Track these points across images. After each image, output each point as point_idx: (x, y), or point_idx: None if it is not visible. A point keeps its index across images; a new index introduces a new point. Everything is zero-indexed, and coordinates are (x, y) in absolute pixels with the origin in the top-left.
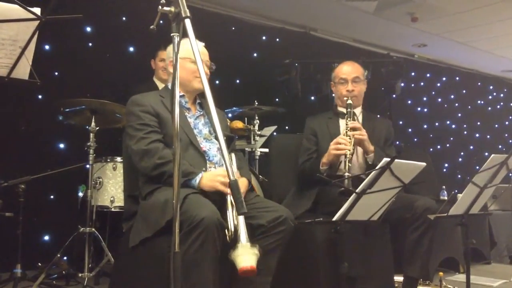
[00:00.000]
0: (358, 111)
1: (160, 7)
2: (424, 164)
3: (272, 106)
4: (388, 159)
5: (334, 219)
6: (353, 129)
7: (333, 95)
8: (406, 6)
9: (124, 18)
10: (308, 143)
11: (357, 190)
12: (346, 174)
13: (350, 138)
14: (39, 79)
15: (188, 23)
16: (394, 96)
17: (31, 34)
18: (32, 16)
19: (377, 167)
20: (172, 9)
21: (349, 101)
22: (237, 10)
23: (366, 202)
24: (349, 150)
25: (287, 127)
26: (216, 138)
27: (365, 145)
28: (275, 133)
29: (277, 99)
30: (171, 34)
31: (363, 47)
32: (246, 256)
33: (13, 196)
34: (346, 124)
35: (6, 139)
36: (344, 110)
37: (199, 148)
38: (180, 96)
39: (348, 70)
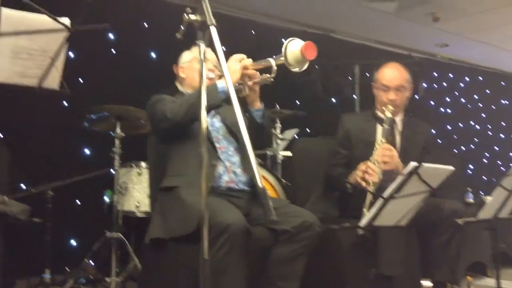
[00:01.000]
0: (398, 118)
1: (185, 16)
2: (452, 168)
3: (293, 109)
4: (416, 164)
5: (361, 224)
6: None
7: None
8: (427, 6)
9: (145, 24)
10: (340, 146)
11: (384, 195)
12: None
13: (377, 165)
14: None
15: (213, 30)
16: (416, 97)
17: (61, 44)
18: (61, 27)
19: (404, 172)
20: (198, 17)
21: (389, 114)
22: (256, 14)
23: (393, 207)
24: (376, 180)
25: (308, 130)
26: (233, 135)
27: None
28: (296, 136)
29: (297, 102)
30: (196, 42)
31: (384, 48)
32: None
33: (41, 202)
34: (381, 141)
35: (33, 146)
36: (384, 116)
37: (214, 144)
38: None
39: (391, 76)
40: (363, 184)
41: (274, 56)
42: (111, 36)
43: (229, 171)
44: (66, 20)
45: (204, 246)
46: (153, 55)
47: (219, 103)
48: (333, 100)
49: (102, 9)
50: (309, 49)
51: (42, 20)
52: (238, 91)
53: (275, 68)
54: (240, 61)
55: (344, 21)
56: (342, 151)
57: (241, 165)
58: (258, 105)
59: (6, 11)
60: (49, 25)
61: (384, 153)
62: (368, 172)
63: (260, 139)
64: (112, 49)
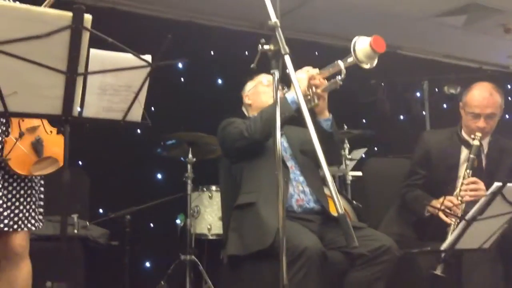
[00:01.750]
0: (485, 141)
1: (260, 46)
2: None
3: (361, 129)
4: (500, 184)
5: (442, 248)
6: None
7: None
8: (497, 18)
9: (212, 53)
10: (418, 166)
11: (466, 217)
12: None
13: (461, 201)
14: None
15: (287, 59)
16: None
17: (143, 79)
18: (144, 63)
19: (488, 192)
20: (272, 46)
21: (477, 142)
22: (320, 35)
23: (476, 229)
24: (457, 217)
25: (376, 149)
26: (298, 155)
27: None
28: (363, 156)
29: (364, 121)
30: (271, 71)
31: (453, 62)
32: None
33: (118, 226)
34: (466, 173)
35: (110, 173)
36: (469, 139)
37: (286, 163)
38: None
39: (482, 103)
40: (445, 220)
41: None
42: (179, 65)
43: (298, 191)
44: (148, 57)
45: (283, 272)
46: (219, 81)
47: (292, 113)
48: (402, 117)
49: (170, 40)
50: (378, 41)
51: (126, 58)
52: (307, 102)
53: (344, 70)
54: (306, 72)
55: (411, 37)
56: (421, 171)
57: (308, 184)
58: (326, 114)
59: (93, 51)
60: (133, 62)
61: (469, 187)
62: (450, 209)
63: (329, 151)
64: (181, 78)
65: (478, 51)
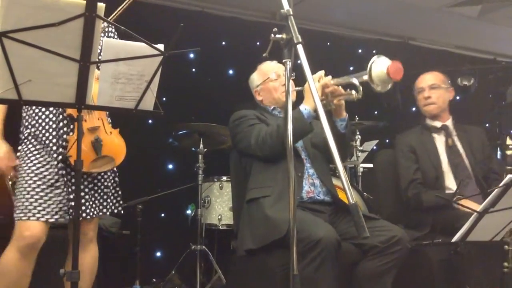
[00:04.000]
0: (449, 123)
1: (272, 35)
2: None
3: (372, 120)
4: None
5: (453, 240)
6: None
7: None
8: None
9: (223, 43)
10: (407, 161)
11: (478, 209)
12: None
13: None
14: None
15: (300, 48)
16: (503, 103)
17: (156, 68)
18: (156, 52)
19: (500, 184)
20: (284, 35)
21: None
22: (332, 26)
23: (488, 221)
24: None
25: (387, 141)
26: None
27: None
28: (375, 147)
29: (375, 112)
30: (283, 60)
31: (467, 53)
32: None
33: (130, 216)
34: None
35: (122, 162)
36: (433, 124)
37: (301, 156)
38: (273, 109)
39: (424, 78)
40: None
41: (354, 74)
42: (191, 55)
43: (309, 183)
44: (161, 46)
45: (293, 262)
46: (230, 72)
47: (309, 129)
48: (414, 109)
49: (183, 29)
50: (396, 68)
51: (139, 47)
52: (323, 106)
53: (360, 87)
54: (318, 80)
55: (423, 27)
56: (412, 164)
57: (318, 176)
58: (343, 114)
59: (106, 40)
60: (146, 51)
61: None
62: None
63: (340, 145)
64: (193, 68)
65: (492, 42)
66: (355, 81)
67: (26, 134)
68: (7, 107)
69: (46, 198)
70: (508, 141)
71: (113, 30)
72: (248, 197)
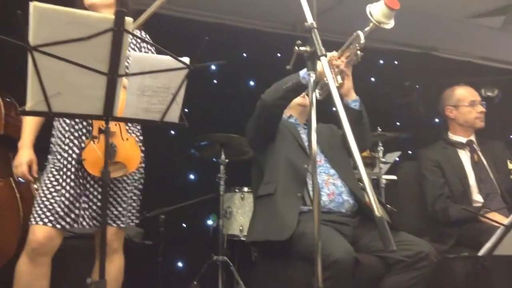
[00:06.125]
0: (473, 138)
1: (296, 47)
2: None
3: (395, 132)
4: None
5: (480, 253)
6: None
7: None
8: None
9: (244, 55)
10: (433, 175)
11: (505, 223)
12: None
13: None
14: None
15: (324, 61)
16: None
17: (181, 81)
18: (182, 65)
19: None
20: (308, 48)
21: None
22: None
23: None
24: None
25: (410, 152)
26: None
27: None
28: (397, 159)
29: (398, 123)
30: (307, 72)
31: (490, 64)
32: None
33: (153, 226)
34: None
35: (145, 173)
36: (456, 139)
37: (306, 150)
38: (289, 117)
39: (472, 91)
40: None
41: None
42: (212, 67)
43: (328, 184)
44: (186, 59)
45: (317, 275)
46: (251, 83)
47: (298, 81)
48: (437, 120)
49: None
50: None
51: (165, 60)
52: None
53: (363, 40)
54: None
55: (445, 38)
56: (438, 179)
57: (340, 176)
58: (354, 95)
59: (134, 53)
60: (172, 64)
61: None
62: None
63: (360, 136)
64: (214, 80)
65: None
66: (360, 34)
67: (53, 143)
68: (43, 119)
69: (52, 201)
70: None
71: (146, 46)
72: (258, 193)
